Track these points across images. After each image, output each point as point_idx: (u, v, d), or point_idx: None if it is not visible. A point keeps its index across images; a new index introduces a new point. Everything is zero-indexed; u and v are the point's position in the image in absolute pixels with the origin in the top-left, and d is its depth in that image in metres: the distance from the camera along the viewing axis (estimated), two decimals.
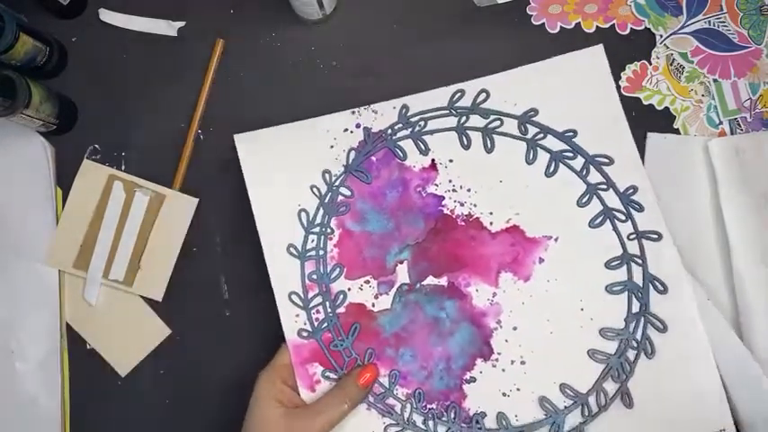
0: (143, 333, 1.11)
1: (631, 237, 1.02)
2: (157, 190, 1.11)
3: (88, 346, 1.11)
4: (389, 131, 1.06)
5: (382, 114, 1.06)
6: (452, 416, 1.00)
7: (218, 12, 1.16)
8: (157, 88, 1.15)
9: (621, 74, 1.12)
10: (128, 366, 1.10)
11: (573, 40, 1.12)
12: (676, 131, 1.10)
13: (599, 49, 1.06)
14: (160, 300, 1.11)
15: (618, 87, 1.10)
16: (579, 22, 1.13)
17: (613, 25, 1.13)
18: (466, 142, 1.05)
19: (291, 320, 1.02)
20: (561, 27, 1.13)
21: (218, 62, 1.14)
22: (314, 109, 1.07)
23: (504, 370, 1.01)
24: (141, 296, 1.11)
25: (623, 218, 1.03)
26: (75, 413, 1.10)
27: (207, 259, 1.12)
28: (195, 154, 1.13)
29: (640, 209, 1.03)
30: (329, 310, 1.02)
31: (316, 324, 1.02)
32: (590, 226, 1.03)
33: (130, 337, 1.11)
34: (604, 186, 1.03)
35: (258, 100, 1.14)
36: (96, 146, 1.14)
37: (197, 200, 1.12)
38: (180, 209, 1.12)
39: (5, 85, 1.01)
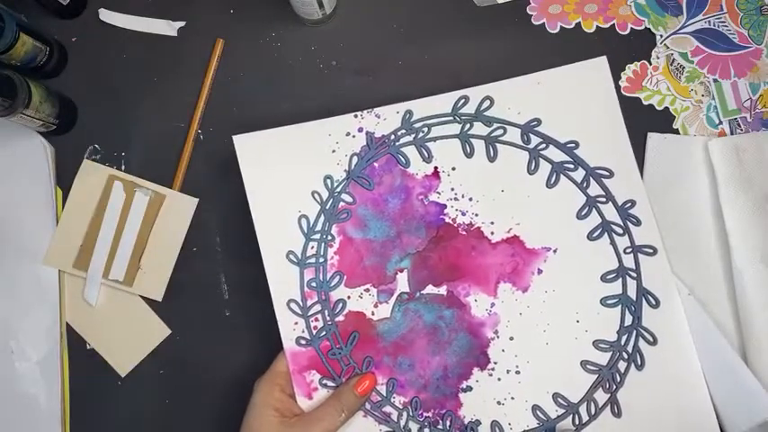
0: (143, 333, 1.11)
1: (627, 250, 1.03)
2: (157, 190, 1.11)
3: (88, 346, 1.11)
4: (392, 137, 1.05)
5: (385, 119, 1.05)
6: (448, 424, 1.01)
7: (218, 12, 1.15)
8: (157, 88, 1.15)
9: (621, 74, 1.12)
10: (128, 366, 1.11)
11: (573, 40, 1.12)
12: (676, 131, 1.11)
13: (602, 61, 1.05)
14: (160, 300, 1.11)
15: (618, 87, 1.11)
16: (579, 22, 1.13)
17: (613, 25, 1.13)
18: (469, 150, 1.05)
19: (290, 328, 1.02)
20: (561, 27, 1.13)
21: (218, 62, 1.14)
22: (314, 109, 1.07)
23: (499, 379, 1.01)
24: (141, 296, 1.12)
25: (621, 231, 1.03)
26: (75, 413, 1.10)
27: (207, 259, 1.12)
28: (195, 154, 1.13)
29: (637, 223, 1.03)
30: (328, 318, 1.02)
31: (314, 332, 1.02)
32: (588, 238, 1.03)
33: (130, 337, 1.11)
34: (604, 199, 1.03)
35: (258, 100, 1.14)
36: (96, 146, 1.14)
37: (197, 200, 1.12)
38: (180, 209, 1.12)
39: (5, 85, 1.01)
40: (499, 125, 1.05)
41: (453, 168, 1.05)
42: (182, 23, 1.15)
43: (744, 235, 1.04)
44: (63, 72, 1.15)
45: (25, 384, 1.08)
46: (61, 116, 1.11)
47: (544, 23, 1.14)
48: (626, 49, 1.13)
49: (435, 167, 1.05)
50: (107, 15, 1.15)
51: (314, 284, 1.03)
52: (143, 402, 1.11)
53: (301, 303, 1.03)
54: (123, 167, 1.13)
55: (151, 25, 1.15)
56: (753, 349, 1.01)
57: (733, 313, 1.05)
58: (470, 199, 1.04)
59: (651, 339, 1.02)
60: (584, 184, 1.04)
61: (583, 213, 1.03)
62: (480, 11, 1.15)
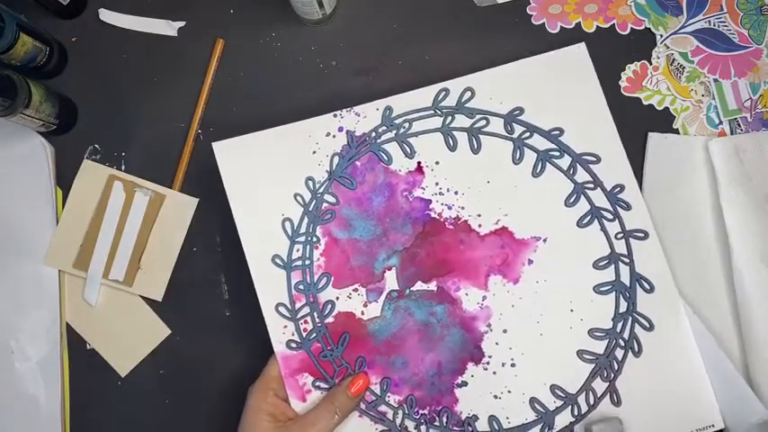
0: (143, 333, 1.11)
1: (619, 236, 1.02)
2: (157, 190, 1.12)
3: (88, 346, 1.11)
4: (373, 134, 1.05)
5: (365, 116, 1.05)
6: (444, 420, 1.00)
7: (218, 12, 1.16)
8: (157, 88, 1.15)
9: (621, 74, 1.12)
10: (128, 366, 1.11)
11: (573, 40, 1.10)
12: (676, 131, 1.10)
13: (581, 47, 1.06)
14: (160, 300, 1.11)
15: (618, 87, 1.11)
16: (579, 22, 1.13)
17: (613, 25, 1.13)
18: (452, 143, 1.04)
19: (279, 332, 1.02)
20: (561, 27, 1.13)
21: (218, 62, 1.14)
22: (314, 109, 1.06)
23: (494, 373, 1.00)
24: (141, 296, 1.12)
25: (611, 217, 1.02)
26: (75, 413, 1.10)
27: (207, 259, 1.12)
28: (195, 154, 1.14)
29: (627, 207, 1.02)
30: (317, 320, 1.02)
31: (304, 335, 1.01)
32: (578, 226, 1.02)
33: (130, 337, 1.11)
34: (592, 185, 1.03)
35: (258, 100, 1.14)
36: (96, 146, 1.14)
37: (197, 200, 1.12)
38: (180, 209, 1.12)
39: (5, 85, 1.02)
40: (481, 116, 1.05)
41: (437, 162, 1.04)
42: (182, 23, 1.15)
43: (744, 235, 1.03)
44: (63, 72, 1.16)
45: (25, 384, 1.09)
46: (61, 116, 1.12)
47: (544, 23, 1.13)
48: (626, 49, 1.13)
49: (418, 162, 1.04)
50: (107, 15, 1.16)
51: (301, 287, 1.03)
52: (143, 402, 1.11)
53: (290, 306, 1.02)
54: (123, 167, 1.14)
55: (151, 25, 1.16)
56: (753, 349, 1.01)
57: (733, 313, 1.04)
58: (456, 192, 1.04)
59: (647, 325, 1.01)
60: (571, 171, 1.03)
61: (571, 201, 1.03)
62: (480, 11, 1.14)
